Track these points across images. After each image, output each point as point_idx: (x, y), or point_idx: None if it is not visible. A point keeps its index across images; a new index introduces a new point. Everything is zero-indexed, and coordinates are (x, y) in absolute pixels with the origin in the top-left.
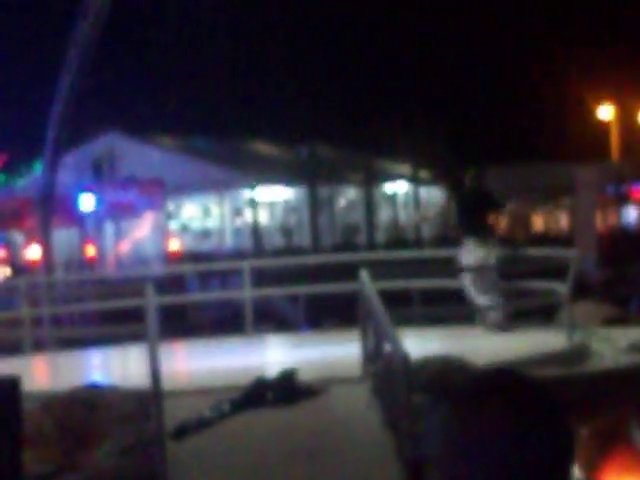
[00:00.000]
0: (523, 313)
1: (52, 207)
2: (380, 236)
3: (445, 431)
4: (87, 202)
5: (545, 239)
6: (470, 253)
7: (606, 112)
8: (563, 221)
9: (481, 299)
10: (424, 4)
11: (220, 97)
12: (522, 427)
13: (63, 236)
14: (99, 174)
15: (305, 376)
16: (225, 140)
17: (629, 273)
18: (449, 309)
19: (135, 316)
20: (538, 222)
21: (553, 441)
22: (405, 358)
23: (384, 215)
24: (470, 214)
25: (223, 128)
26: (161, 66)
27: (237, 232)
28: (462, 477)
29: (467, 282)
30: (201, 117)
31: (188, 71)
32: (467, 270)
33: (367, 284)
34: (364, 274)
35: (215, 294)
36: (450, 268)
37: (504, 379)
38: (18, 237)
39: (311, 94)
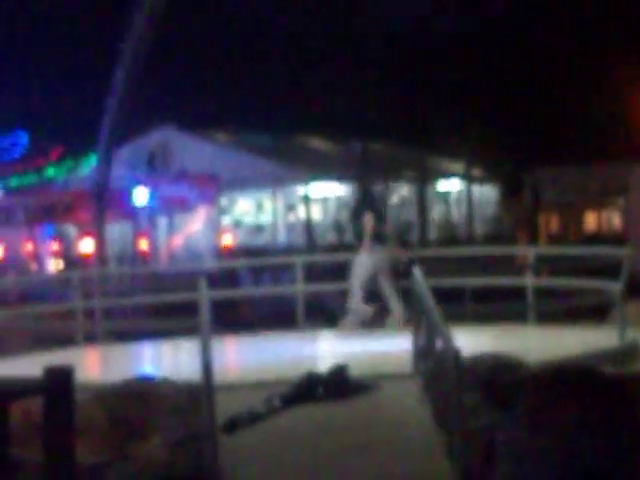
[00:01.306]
0: (574, 311)
1: (106, 201)
2: (432, 233)
3: (530, 419)
4: (141, 196)
5: (598, 239)
6: (360, 257)
7: None
8: (616, 221)
9: (353, 304)
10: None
11: (274, 92)
12: (604, 420)
13: (116, 230)
14: (153, 168)
15: (356, 372)
16: (278, 136)
17: None
18: (501, 306)
19: (187, 310)
20: (590, 222)
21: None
22: (456, 355)
23: (436, 213)
24: (356, 221)
25: (277, 124)
26: (217, 61)
27: (290, 228)
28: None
29: (355, 283)
30: (255, 112)
31: (244, 66)
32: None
33: (420, 280)
34: (417, 270)
35: (267, 289)
36: (502, 265)
37: (582, 374)
38: (71, 230)
39: (365, 91)
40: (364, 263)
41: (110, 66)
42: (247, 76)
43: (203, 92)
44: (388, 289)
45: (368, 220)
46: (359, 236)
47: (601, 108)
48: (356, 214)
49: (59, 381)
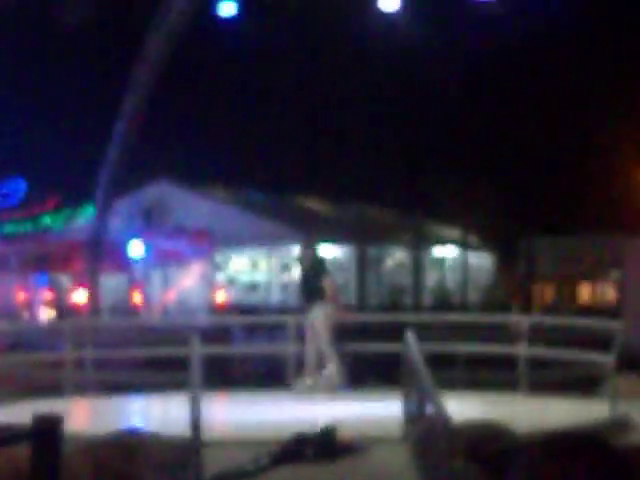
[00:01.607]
0: (566, 382)
1: (101, 252)
2: (427, 298)
3: None
4: (136, 249)
5: (591, 311)
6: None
7: None
8: (610, 294)
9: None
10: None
11: (273, 152)
12: None
13: (110, 281)
14: (149, 222)
15: (345, 433)
16: (276, 195)
17: None
18: (493, 374)
19: (179, 365)
20: (584, 293)
21: None
22: (447, 421)
23: (431, 278)
24: (305, 280)
25: (274, 182)
26: (217, 117)
27: (284, 287)
28: None
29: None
30: (253, 170)
31: (244, 123)
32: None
33: (412, 345)
34: (410, 335)
35: (259, 347)
36: (495, 333)
37: (586, 443)
38: (64, 280)
39: (363, 153)
40: (324, 321)
41: (111, 116)
42: (247, 134)
43: (202, 147)
44: (328, 348)
45: (330, 282)
46: (312, 296)
47: (600, 180)
48: (309, 277)
49: (48, 429)
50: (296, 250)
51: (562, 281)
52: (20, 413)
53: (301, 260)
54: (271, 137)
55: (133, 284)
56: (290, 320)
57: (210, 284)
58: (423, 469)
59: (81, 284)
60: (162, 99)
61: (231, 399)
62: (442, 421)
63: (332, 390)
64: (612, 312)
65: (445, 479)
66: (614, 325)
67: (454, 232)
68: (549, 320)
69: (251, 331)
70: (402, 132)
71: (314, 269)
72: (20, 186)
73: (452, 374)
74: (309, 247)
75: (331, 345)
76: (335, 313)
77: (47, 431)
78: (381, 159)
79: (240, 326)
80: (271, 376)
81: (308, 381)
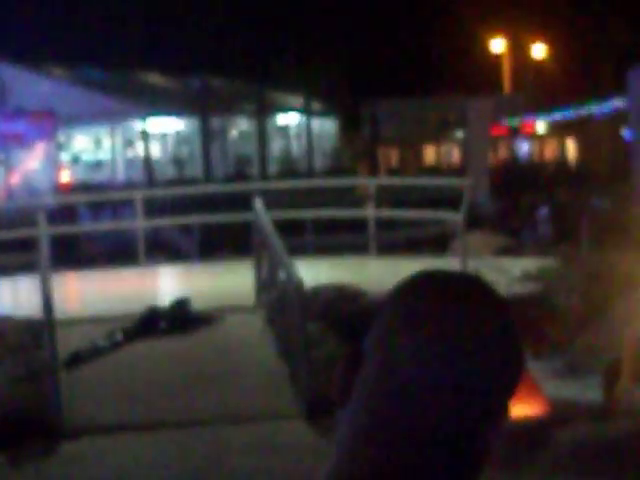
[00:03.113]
0: (415, 242)
1: None
2: (272, 167)
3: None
4: None
5: (437, 172)
6: None
7: (498, 45)
8: (455, 155)
9: None
10: None
11: (113, 26)
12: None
13: None
14: None
15: (198, 305)
16: (117, 71)
17: (521, 205)
18: (342, 238)
19: (26, 246)
20: (429, 155)
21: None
22: (299, 285)
23: (276, 147)
24: None
25: (115, 58)
26: None
27: (129, 164)
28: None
29: None
30: (92, 46)
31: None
32: None
33: (261, 212)
34: (258, 202)
35: (107, 224)
36: (342, 197)
37: (473, 285)
38: None
39: (204, 24)
40: None
41: None
42: (83, 9)
43: (38, 26)
44: None
45: None
46: None
47: (440, 42)
48: None
49: None
50: (138, 126)
51: (407, 144)
52: None
53: None
54: (109, 12)
55: None
56: (136, 195)
57: (54, 164)
58: (277, 334)
59: None
60: None
61: (81, 278)
62: (294, 286)
63: None
64: (457, 173)
65: (299, 342)
66: (463, 182)
67: (297, 99)
68: (396, 181)
69: (98, 209)
70: (244, 2)
71: None
72: None
73: (302, 240)
74: None
75: None
76: None
77: None
78: (221, 30)
79: (86, 205)
80: (120, 253)
81: None
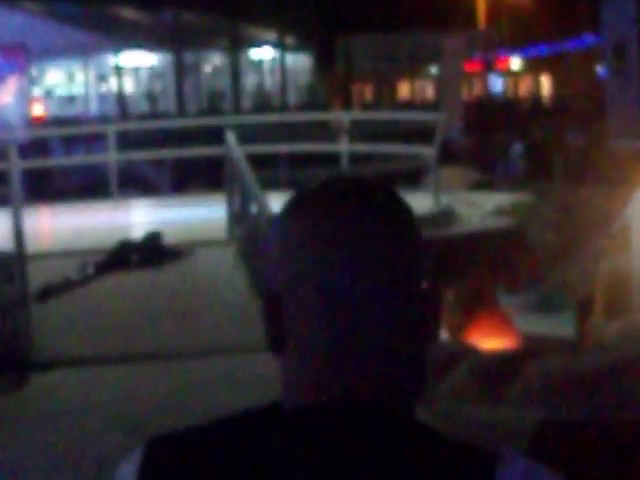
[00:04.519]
0: (388, 176)
1: None
2: (246, 102)
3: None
4: None
5: (411, 107)
6: None
7: None
8: (429, 91)
9: None
10: None
11: None
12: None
13: None
14: None
15: (171, 239)
16: (90, 4)
17: (494, 141)
18: (316, 171)
19: None
20: (404, 91)
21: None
22: (270, 218)
23: (250, 82)
24: None
25: None
26: None
27: (102, 98)
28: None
29: None
30: None
31: None
32: None
33: (233, 146)
34: (230, 135)
35: (79, 158)
36: (316, 131)
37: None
38: None
39: None
40: None
41: None
42: None
43: None
44: None
45: None
46: None
47: None
48: None
49: None
50: (111, 60)
51: (381, 79)
52: None
53: None
54: None
55: None
56: (109, 129)
57: (26, 98)
58: (249, 268)
59: None
60: None
61: (54, 212)
62: (265, 219)
63: None
64: (431, 109)
65: None
66: (436, 116)
67: (270, 34)
68: (370, 115)
69: (70, 143)
70: None
71: None
72: None
73: (275, 174)
74: None
75: None
76: None
77: None
78: None
79: (59, 138)
80: (93, 187)
81: None
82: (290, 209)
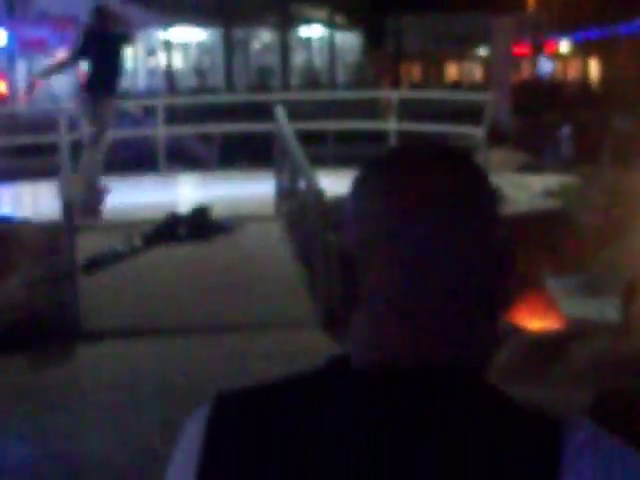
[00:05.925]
0: None
1: None
2: (294, 79)
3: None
4: None
5: (459, 88)
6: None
7: None
8: (477, 73)
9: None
10: None
11: None
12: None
13: None
14: (11, 9)
15: (218, 214)
16: None
17: (543, 123)
18: (364, 149)
19: (48, 151)
20: (452, 72)
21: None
22: (319, 194)
23: (299, 59)
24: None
25: None
26: None
27: (150, 73)
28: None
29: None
30: None
31: None
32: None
33: (283, 122)
34: (280, 111)
35: (128, 131)
36: (364, 110)
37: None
38: None
39: None
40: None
41: None
42: None
43: None
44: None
45: None
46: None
47: None
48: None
49: None
50: (160, 35)
51: (429, 60)
52: None
53: None
54: None
55: None
56: (158, 103)
57: (77, 72)
58: (296, 243)
59: None
60: None
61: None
62: (314, 195)
63: None
64: (479, 90)
65: (317, 251)
66: (484, 97)
67: (321, 11)
68: (419, 94)
69: (119, 117)
70: None
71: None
72: None
73: (323, 151)
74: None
75: None
76: None
77: None
78: None
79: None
80: (141, 161)
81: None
82: (377, 167)
